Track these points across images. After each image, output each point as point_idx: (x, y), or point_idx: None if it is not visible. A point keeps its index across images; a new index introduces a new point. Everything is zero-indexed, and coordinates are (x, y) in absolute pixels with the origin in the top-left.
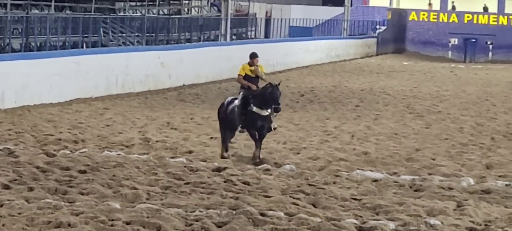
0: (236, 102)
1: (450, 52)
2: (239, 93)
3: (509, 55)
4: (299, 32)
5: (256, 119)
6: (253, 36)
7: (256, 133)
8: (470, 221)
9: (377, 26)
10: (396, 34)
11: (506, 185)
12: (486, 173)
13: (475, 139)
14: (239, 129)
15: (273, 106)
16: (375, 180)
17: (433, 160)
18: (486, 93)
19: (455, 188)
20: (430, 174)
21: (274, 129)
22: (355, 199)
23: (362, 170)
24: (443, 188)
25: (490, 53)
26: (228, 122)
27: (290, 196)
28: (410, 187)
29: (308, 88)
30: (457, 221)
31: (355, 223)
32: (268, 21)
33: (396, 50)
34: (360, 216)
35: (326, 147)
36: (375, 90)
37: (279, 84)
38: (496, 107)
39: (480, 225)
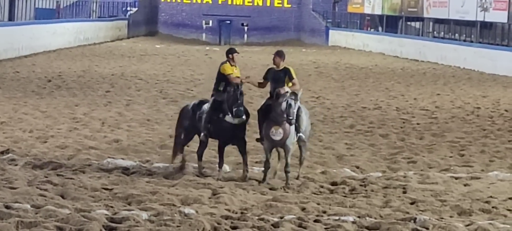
0: (205, 107)
1: (204, 35)
2: (212, 95)
3: (264, 37)
4: (46, 14)
5: (226, 129)
6: None
7: (223, 144)
8: (226, 209)
9: (128, 8)
10: (148, 16)
11: (263, 171)
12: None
13: None
14: (202, 136)
15: (233, 108)
16: (127, 169)
17: (188, 146)
18: (242, 77)
19: (210, 175)
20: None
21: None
22: (106, 189)
23: (113, 158)
24: (198, 176)
25: (245, 35)
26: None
27: (37, 187)
28: (164, 175)
29: (56, 73)
30: (213, 210)
31: (106, 214)
32: (12, 2)
33: (148, 33)
34: (111, 207)
35: (75, 135)
36: (127, 75)
37: (241, 83)
38: (252, 91)
39: (236, 213)
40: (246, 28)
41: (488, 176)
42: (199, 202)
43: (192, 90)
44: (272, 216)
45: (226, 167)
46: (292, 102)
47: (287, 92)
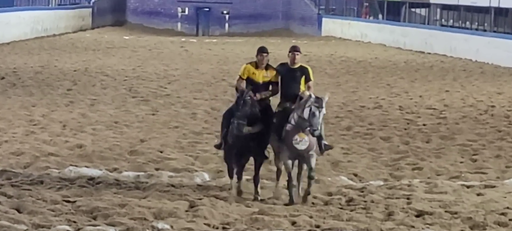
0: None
1: (179, 24)
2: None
3: (248, 27)
4: None
5: (239, 140)
6: None
7: (235, 159)
8: (205, 223)
9: None
10: (115, 4)
11: (247, 180)
12: (223, 166)
13: (210, 127)
14: (217, 143)
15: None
16: (92, 178)
17: (161, 152)
18: (223, 72)
19: (187, 185)
20: (157, 169)
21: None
22: (68, 201)
23: (76, 166)
24: (173, 186)
25: (227, 25)
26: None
27: None
28: (134, 186)
29: (10, 69)
30: (190, 224)
31: (68, 230)
32: None
33: (115, 23)
34: (74, 222)
35: (32, 139)
36: (91, 71)
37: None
38: (234, 89)
39: (217, 228)
40: (227, 16)
41: (504, 184)
42: (174, 215)
43: (166, 87)
44: None
45: (204, 175)
46: (316, 111)
47: (310, 97)
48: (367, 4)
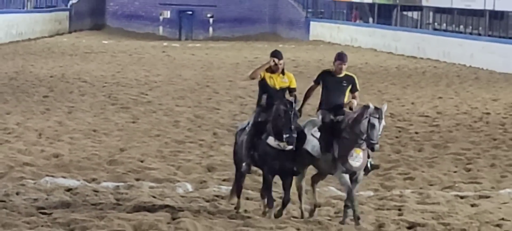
0: (247, 128)
1: (161, 28)
2: (253, 114)
3: (233, 31)
4: None
5: (271, 156)
6: None
7: (270, 176)
8: None
9: None
10: (94, 7)
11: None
12: (207, 176)
13: (194, 135)
14: (244, 166)
15: (284, 134)
16: (69, 189)
17: (142, 162)
18: (207, 78)
19: (169, 196)
20: (138, 180)
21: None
22: (44, 213)
23: (53, 176)
24: (154, 197)
25: (211, 29)
26: (239, 156)
27: None
28: (113, 197)
29: None
30: None
31: None
32: None
33: (94, 26)
34: None
35: (6, 149)
36: (69, 77)
37: (295, 98)
38: (218, 96)
39: None
40: (211, 20)
41: (499, 195)
42: (155, 228)
43: (147, 94)
44: None
45: (187, 186)
46: (376, 122)
47: (368, 107)
48: (356, 7)
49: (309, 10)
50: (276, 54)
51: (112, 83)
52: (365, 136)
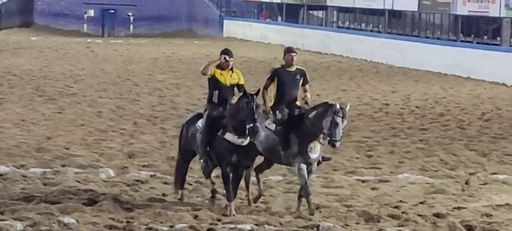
0: (199, 124)
1: (86, 25)
2: (205, 109)
3: (152, 28)
4: None
5: (229, 151)
6: None
7: (228, 171)
8: (110, 217)
9: None
10: (23, 5)
11: (151, 175)
12: (128, 162)
13: (116, 124)
14: (202, 162)
15: (247, 127)
16: (0, 175)
17: (67, 149)
18: (128, 72)
19: (92, 181)
20: (63, 166)
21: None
22: None
23: None
24: (78, 182)
25: (131, 26)
26: (188, 151)
27: None
28: (41, 182)
29: None
30: (95, 219)
31: None
32: None
33: (22, 24)
34: None
35: None
36: None
37: (257, 93)
38: (138, 88)
39: (121, 222)
40: (132, 18)
41: (397, 179)
42: (80, 210)
43: (72, 87)
44: (161, 225)
45: (109, 172)
46: (340, 121)
47: (333, 105)
48: (266, 6)
49: (223, 9)
50: (226, 52)
51: (40, 77)
52: (327, 132)
